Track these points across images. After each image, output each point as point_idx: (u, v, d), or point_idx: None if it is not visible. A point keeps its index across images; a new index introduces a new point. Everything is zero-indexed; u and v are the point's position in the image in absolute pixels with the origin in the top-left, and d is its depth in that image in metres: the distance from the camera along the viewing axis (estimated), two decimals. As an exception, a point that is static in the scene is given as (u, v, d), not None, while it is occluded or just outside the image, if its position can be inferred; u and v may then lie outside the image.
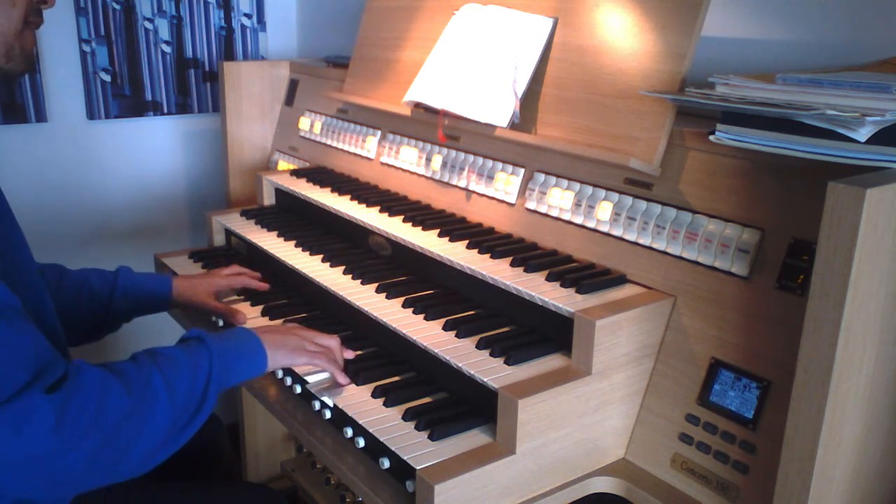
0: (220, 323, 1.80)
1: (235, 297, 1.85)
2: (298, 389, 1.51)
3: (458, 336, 1.43)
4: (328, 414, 1.42)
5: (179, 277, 1.80)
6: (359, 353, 1.57)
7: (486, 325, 1.47)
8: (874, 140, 1.07)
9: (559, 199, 1.57)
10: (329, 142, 2.31)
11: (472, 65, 1.75)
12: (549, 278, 1.44)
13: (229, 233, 2.21)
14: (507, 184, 1.71)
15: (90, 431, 1.09)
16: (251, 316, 1.75)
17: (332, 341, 1.47)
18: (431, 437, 1.27)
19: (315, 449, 1.39)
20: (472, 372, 1.30)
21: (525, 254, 1.55)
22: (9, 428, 1.03)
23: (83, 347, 1.68)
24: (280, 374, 1.55)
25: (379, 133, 2.13)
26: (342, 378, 1.45)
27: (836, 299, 0.95)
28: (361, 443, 1.33)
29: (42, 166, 2.58)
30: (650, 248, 1.41)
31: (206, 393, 1.22)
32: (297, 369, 1.49)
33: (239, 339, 1.35)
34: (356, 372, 1.47)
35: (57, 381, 1.11)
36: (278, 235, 2.00)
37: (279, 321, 1.72)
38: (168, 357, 1.23)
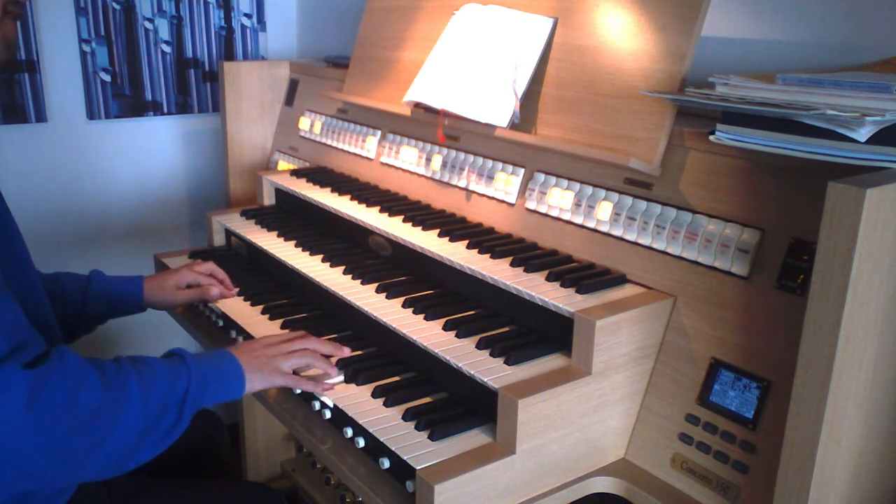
0: (220, 323, 1.80)
1: (236, 297, 1.85)
2: (298, 390, 1.50)
3: (458, 336, 1.43)
4: (328, 414, 1.42)
5: (149, 277, 1.80)
6: (358, 352, 1.57)
7: (486, 325, 1.47)
8: (874, 140, 1.07)
9: (559, 199, 1.57)
10: (329, 142, 2.31)
11: (472, 65, 1.75)
12: (549, 278, 1.44)
13: (229, 233, 2.21)
14: (507, 184, 1.71)
15: (62, 416, 1.09)
16: (251, 316, 1.75)
17: (309, 344, 1.47)
18: (431, 437, 1.27)
19: (315, 449, 1.39)
20: (472, 372, 1.30)
21: (525, 254, 1.55)
22: None
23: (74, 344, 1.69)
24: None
25: (379, 133, 2.13)
26: (329, 377, 1.46)
27: (836, 299, 0.95)
28: (361, 443, 1.33)
29: (42, 166, 2.58)
30: (650, 248, 1.41)
31: (181, 410, 1.23)
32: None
33: (219, 362, 1.35)
34: (356, 372, 1.47)
35: (36, 359, 1.12)
36: (278, 235, 2.00)
37: (279, 321, 1.72)
38: (149, 366, 1.24)
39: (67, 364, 1.14)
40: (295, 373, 1.43)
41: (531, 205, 1.65)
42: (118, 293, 1.73)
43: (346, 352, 1.52)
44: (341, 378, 1.47)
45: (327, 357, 1.50)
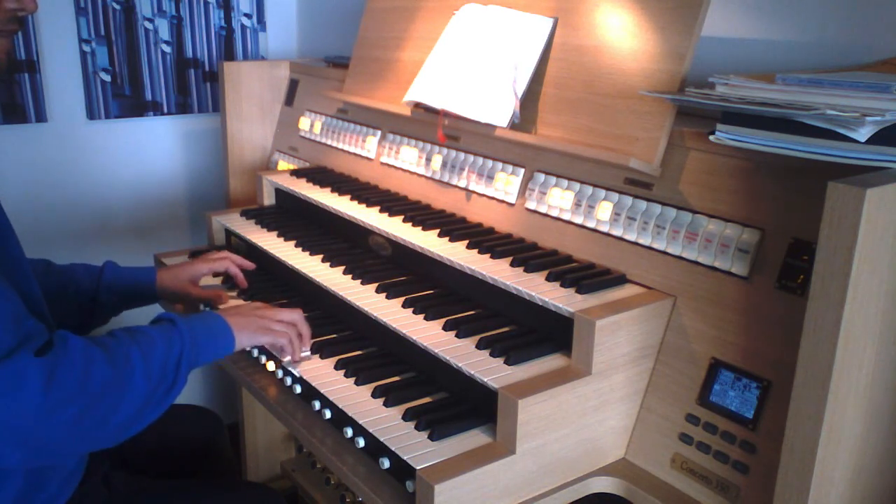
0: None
1: (235, 296, 1.85)
2: (298, 389, 1.51)
3: (458, 336, 1.43)
4: (328, 414, 1.42)
5: (162, 269, 1.82)
6: (358, 352, 1.57)
7: (486, 325, 1.47)
8: (874, 140, 1.07)
9: (559, 199, 1.57)
10: (329, 142, 2.31)
11: (472, 65, 1.75)
12: (549, 278, 1.44)
13: (229, 233, 2.21)
14: (507, 184, 1.71)
15: (75, 397, 1.13)
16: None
17: (295, 315, 1.54)
18: (431, 437, 1.27)
19: (315, 449, 1.39)
20: (472, 372, 1.30)
21: (525, 254, 1.55)
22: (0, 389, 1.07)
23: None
24: (280, 374, 1.55)
25: (379, 133, 2.13)
26: (304, 350, 1.53)
27: (836, 299, 0.95)
28: (361, 443, 1.33)
29: (42, 166, 2.58)
30: (650, 248, 1.41)
31: (178, 371, 1.28)
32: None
33: (207, 321, 1.41)
34: (356, 372, 1.47)
35: (43, 347, 1.15)
36: (278, 235, 2.00)
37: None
38: (144, 334, 1.28)
39: (72, 347, 1.17)
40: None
41: (531, 205, 1.65)
42: (132, 284, 1.75)
43: (306, 353, 1.56)
44: (309, 354, 1.56)
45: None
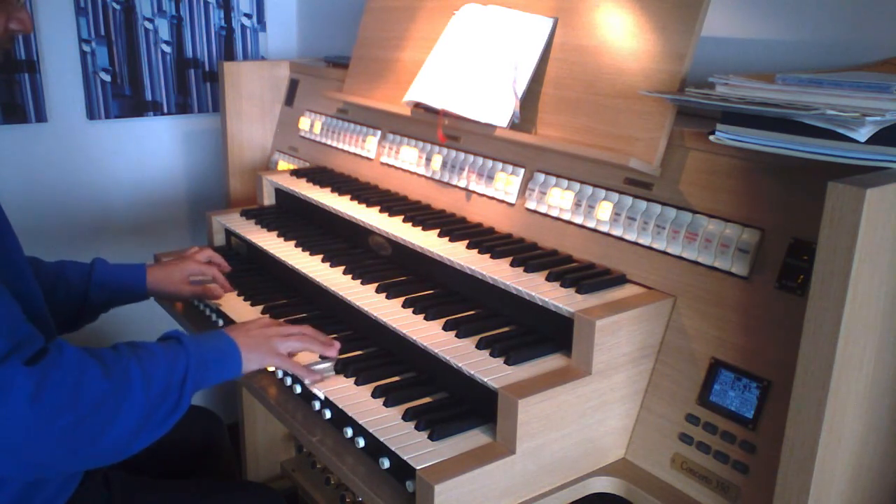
0: (221, 323, 1.80)
1: (236, 297, 1.85)
2: (298, 389, 1.51)
3: (458, 336, 1.43)
4: (328, 414, 1.42)
5: (152, 266, 1.81)
6: (358, 352, 1.57)
7: (486, 325, 1.47)
8: (874, 140, 1.07)
9: (559, 199, 1.57)
10: (329, 142, 2.31)
11: (472, 65, 1.75)
12: (549, 278, 1.44)
13: (229, 233, 2.21)
14: (507, 184, 1.71)
15: (66, 408, 1.11)
16: (251, 316, 1.75)
17: (306, 329, 1.50)
18: (431, 437, 1.27)
19: (315, 449, 1.39)
20: (472, 372, 1.30)
21: (525, 254, 1.55)
22: None
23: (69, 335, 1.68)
24: (280, 374, 1.55)
25: (379, 133, 2.13)
26: (326, 362, 1.49)
27: (836, 299, 0.95)
28: (361, 443, 1.33)
29: (42, 166, 2.58)
30: (650, 248, 1.41)
31: (182, 392, 1.25)
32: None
33: (215, 342, 1.37)
34: (356, 372, 1.47)
35: (36, 355, 1.13)
36: (278, 235, 2.00)
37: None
38: (147, 351, 1.26)
39: (67, 357, 1.15)
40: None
41: (531, 205, 1.65)
42: (121, 281, 1.74)
43: (335, 352, 1.51)
44: (332, 372, 1.49)
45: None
